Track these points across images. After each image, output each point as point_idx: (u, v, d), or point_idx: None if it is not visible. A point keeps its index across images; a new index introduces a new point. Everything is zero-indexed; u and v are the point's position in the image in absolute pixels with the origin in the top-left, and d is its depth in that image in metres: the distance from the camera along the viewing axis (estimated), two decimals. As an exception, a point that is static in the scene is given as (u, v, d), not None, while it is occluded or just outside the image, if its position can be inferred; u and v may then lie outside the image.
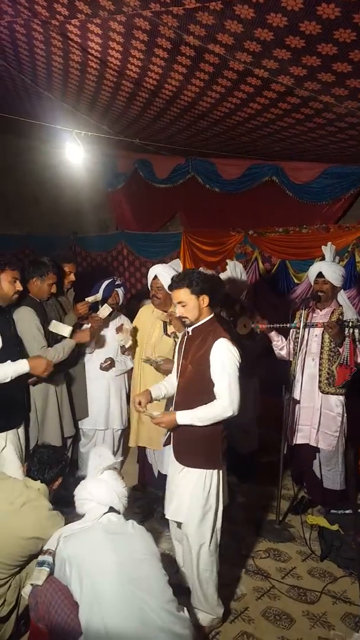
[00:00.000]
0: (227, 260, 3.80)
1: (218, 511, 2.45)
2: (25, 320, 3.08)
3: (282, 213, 5.23)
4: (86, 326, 3.55)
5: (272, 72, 2.41)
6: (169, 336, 3.41)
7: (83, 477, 3.92)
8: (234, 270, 3.81)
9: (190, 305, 2.43)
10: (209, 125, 3.75)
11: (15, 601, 2.28)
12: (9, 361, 2.74)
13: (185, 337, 2.57)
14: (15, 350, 2.90)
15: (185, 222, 6.16)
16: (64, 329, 3.23)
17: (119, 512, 2.17)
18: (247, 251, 5.47)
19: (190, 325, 2.49)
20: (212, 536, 2.43)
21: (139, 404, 2.55)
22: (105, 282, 3.74)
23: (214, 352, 2.36)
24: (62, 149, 4.06)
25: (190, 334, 2.52)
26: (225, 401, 2.34)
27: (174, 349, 3.43)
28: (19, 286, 2.90)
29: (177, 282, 2.44)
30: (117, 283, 3.83)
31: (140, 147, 5.64)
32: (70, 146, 3.43)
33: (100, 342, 3.81)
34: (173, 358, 3.00)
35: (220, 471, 2.45)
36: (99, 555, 1.94)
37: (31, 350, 3.05)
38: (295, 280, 5.12)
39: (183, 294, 2.42)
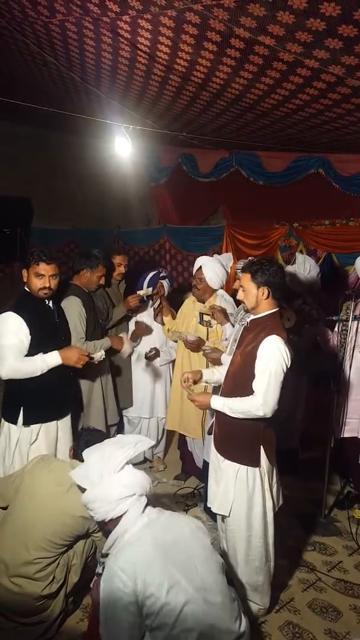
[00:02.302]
0: (297, 254, 3.75)
1: (267, 508, 2.42)
2: (71, 309, 3.17)
3: (328, 205, 5.15)
4: (125, 336, 3.64)
5: (322, 62, 2.39)
6: (204, 325, 3.46)
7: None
8: (302, 264, 3.78)
9: (248, 293, 2.42)
10: (255, 117, 3.74)
11: (64, 578, 2.38)
12: (40, 354, 2.77)
13: (243, 327, 2.57)
14: (58, 339, 2.95)
15: (228, 216, 6.15)
16: (95, 352, 3.16)
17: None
18: (291, 244, 5.42)
19: (250, 314, 2.48)
20: (263, 527, 2.42)
21: (186, 380, 2.61)
22: (151, 274, 3.81)
23: (262, 347, 2.32)
24: (110, 144, 4.14)
25: (247, 325, 2.51)
26: (258, 400, 2.29)
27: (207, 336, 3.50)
28: (46, 282, 2.79)
29: (245, 266, 2.46)
30: (162, 275, 3.90)
31: (184, 142, 5.67)
32: (119, 140, 3.49)
33: (146, 332, 3.91)
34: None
35: (267, 470, 2.41)
36: (158, 577, 1.71)
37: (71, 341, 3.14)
38: (342, 273, 5.04)
39: (245, 279, 2.43)
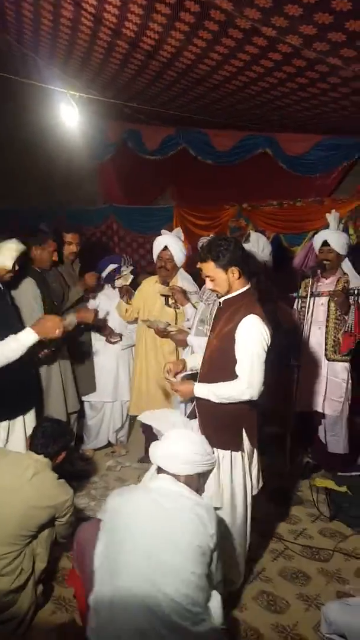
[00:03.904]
0: (251, 232, 3.69)
1: (247, 490, 2.39)
2: (23, 292, 2.99)
3: (276, 186, 5.18)
4: (92, 304, 3.51)
5: (280, 31, 2.33)
6: (170, 307, 3.39)
7: (88, 451, 3.92)
8: (256, 242, 3.72)
9: (218, 280, 2.29)
10: (206, 91, 3.65)
11: (31, 568, 2.30)
12: (10, 335, 2.54)
13: (217, 308, 2.44)
14: (12, 324, 2.73)
15: (176, 196, 6.05)
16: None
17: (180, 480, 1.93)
18: (241, 225, 5.41)
19: (221, 297, 2.37)
20: (244, 509, 2.40)
21: (169, 371, 2.51)
22: (111, 267, 3.73)
23: (240, 328, 2.21)
24: (52, 113, 3.90)
25: (221, 305, 2.39)
26: (243, 383, 2.21)
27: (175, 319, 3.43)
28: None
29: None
30: (122, 269, 3.79)
31: (130, 117, 5.48)
32: (64, 108, 3.28)
33: (105, 316, 3.80)
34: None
35: (248, 453, 2.37)
36: (134, 519, 1.80)
37: (26, 322, 2.97)
38: (290, 254, 5.10)
39: (209, 268, 2.28)
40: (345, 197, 4.71)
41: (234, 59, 2.87)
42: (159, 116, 5.13)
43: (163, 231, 3.65)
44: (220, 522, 1.88)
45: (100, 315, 3.69)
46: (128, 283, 3.70)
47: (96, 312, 3.43)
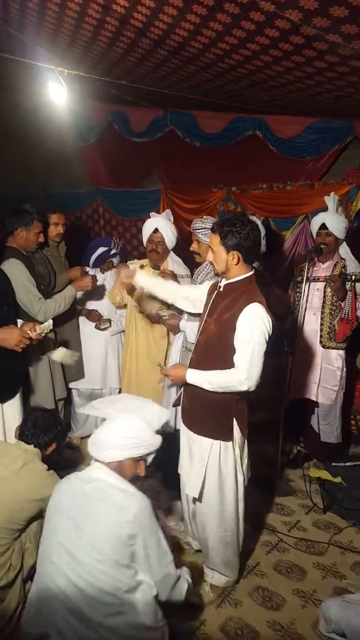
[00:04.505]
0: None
1: (239, 482, 2.34)
2: (14, 273, 2.88)
3: (266, 169, 5.10)
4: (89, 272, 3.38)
5: (279, 6, 2.24)
6: None
7: (76, 439, 3.85)
8: None
9: (218, 256, 2.23)
10: (197, 70, 3.53)
11: (20, 564, 2.23)
12: None
13: (215, 292, 2.35)
14: (1, 311, 2.65)
15: (164, 178, 5.94)
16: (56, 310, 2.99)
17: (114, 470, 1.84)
18: (229, 208, 5.32)
19: (221, 277, 2.29)
20: (234, 502, 2.35)
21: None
22: (99, 251, 3.64)
23: (242, 317, 2.13)
24: (35, 94, 3.75)
25: (221, 289, 2.30)
26: (242, 374, 2.14)
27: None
28: None
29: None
30: (113, 252, 3.70)
31: (116, 97, 5.33)
32: (52, 86, 3.15)
33: (95, 300, 3.72)
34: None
35: (239, 443, 2.31)
36: (57, 510, 1.81)
37: (26, 305, 2.88)
38: (280, 239, 5.05)
39: (214, 241, 2.21)
40: (337, 180, 4.66)
41: (228, 36, 2.76)
42: (147, 97, 4.99)
43: (152, 213, 3.56)
44: (150, 513, 1.77)
45: (92, 306, 3.59)
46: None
47: (94, 277, 3.31)
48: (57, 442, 2.43)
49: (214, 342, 2.27)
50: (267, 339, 2.16)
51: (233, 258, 2.20)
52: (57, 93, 3.23)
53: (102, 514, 1.72)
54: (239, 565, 2.52)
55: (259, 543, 2.90)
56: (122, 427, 1.83)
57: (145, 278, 2.62)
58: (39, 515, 2.26)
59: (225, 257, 2.21)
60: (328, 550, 2.85)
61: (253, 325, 2.13)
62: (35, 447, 2.33)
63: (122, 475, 1.82)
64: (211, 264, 2.36)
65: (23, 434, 2.37)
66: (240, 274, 2.25)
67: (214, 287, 2.39)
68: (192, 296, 2.55)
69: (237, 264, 2.22)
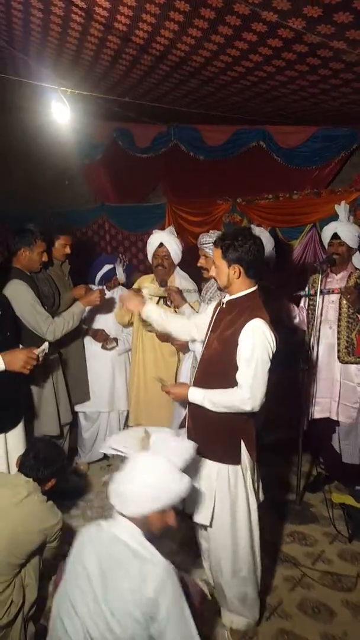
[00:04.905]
0: (253, 227, 3.57)
1: (251, 509, 2.23)
2: (18, 296, 2.84)
3: (271, 179, 5.08)
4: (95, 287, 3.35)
5: (282, 15, 2.23)
6: (170, 307, 3.27)
7: (83, 465, 3.75)
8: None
9: (219, 270, 2.20)
10: (200, 84, 3.53)
11: (21, 600, 2.14)
12: None
13: (219, 308, 2.31)
14: (3, 336, 2.59)
15: (168, 193, 5.94)
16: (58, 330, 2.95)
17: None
18: (235, 220, 5.31)
19: (224, 292, 2.26)
20: (248, 531, 2.22)
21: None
22: (105, 269, 3.61)
23: (244, 333, 2.08)
24: (39, 113, 3.76)
25: (224, 306, 2.26)
26: (245, 393, 2.06)
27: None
28: None
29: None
30: (118, 269, 3.65)
31: (119, 115, 5.36)
32: (55, 106, 3.15)
33: (101, 318, 3.67)
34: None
35: (248, 466, 2.21)
36: (75, 570, 1.64)
37: (33, 326, 2.83)
38: (288, 249, 5.00)
39: (216, 255, 2.19)
40: (344, 187, 4.62)
41: (230, 48, 2.76)
42: (150, 113, 5.01)
43: (155, 230, 3.53)
44: (175, 585, 1.53)
45: (99, 325, 3.53)
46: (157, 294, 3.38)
47: (102, 291, 3.25)
48: (56, 477, 2.34)
49: (216, 359, 2.22)
50: (271, 356, 2.09)
51: (234, 272, 2.17)
52: (61, 112, 3.22)
53: (120, 586, 1.54)
54: (258, 603, 2.36)
55: (280, 578, 2.69)
56: (145, 475, 1.62)
57: (154, 313, 2.54)
58: (39, 550, 2.20)
59: (227, 270, 2.18)
60: (358, 586, 2.62)
61: (256, 342, 2.06)
62: (34, 480, 2.25)
63: (150, 530, 1.64)
64: (213, 278, 2.34)
65: (23, 465, 2.30)
66: (243, 289, 2.21)
67: (219, 303, 2.37)
68: (200, 323, 2.51)
69: (238, 277, 2.19)
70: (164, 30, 2.74)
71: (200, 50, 2.89)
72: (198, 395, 2.16)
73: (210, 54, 2.90)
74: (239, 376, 2.09)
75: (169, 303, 3.35)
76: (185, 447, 1.79)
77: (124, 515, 1.64)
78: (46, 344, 2.57)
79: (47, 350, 2.56)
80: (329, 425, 3.25)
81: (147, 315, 2.55)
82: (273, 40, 2.53)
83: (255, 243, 2.19)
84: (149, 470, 1.63)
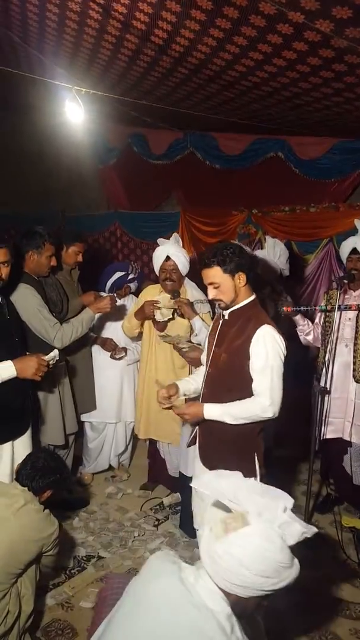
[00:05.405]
0: (267, 238, 3.46)
1: None
2: (26, 299, 2.73)
3: (288, 191, 4.96)
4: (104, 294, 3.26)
5: (309, 16, 2.10)
6: (182, 317, 3.13)
7: (87, 475, 3.62)
8: (272, 248, 3.51)
9: (224, 287, 2.12)
10: (219, 89, 3.42)
11: (17, 611, 2.09)
12: None
13: (221, 321, 2.24)
14: (11, 341, 2.50)
15: (182, 201, 5.83)
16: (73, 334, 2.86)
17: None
18: (250, 231, 5.19)
19: (226, 308, 2.18)
20: None
21: (164, 398, 2.24)
22: (116, 276, 3.49)
23: (256, 341, 2.05)
24: (54, 117, 3.67)
25: (226, 318, 2.20)
26: (265, 400, 2.03)
27: (190, 332, 3.17)
28: None
29: (208, 259, 2.11)
30: (130, 277, 3.53)
31: (135, 120, 5.28)
32: (69, 106, 3.06)
33: (109, 329, 3.54)
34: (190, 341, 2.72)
35: (258, 477, 2.12)
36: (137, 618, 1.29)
37: (41, 332, 2.72)
38: (303, 263, 4.86)
39: (215, 274, 2.10)
40: (363, 202, 4.48)
41: (253, 51, 2.64)
42: (167, 119, 4.91)
43: (160, 240, 3.39)
44: None
45: (107, 333, 3.41)
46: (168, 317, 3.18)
47: (112, 297, 3.14)
48: (53, 489, 2.28)
49: (227, 372, 2.16)
50: (283, 360, 2.10)
51: (240, 280, 2.15)
52: (74, 112, 3.12)
53: None
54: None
55: (285, 603, 2.51)
56: (257, 554, 1.29)
57: (184, 384, 2.41)
58: (36, 560, 2.16)
59: (232, 282, 2.14)
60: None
61: (269, 349, 2.06)
62: (29, 489, 2.21)
63: (241, 611, 1.33)
64: (216, 301, 2.23)
65: (19, 474, 2.26)
66: (246, 297, 2.19)
67: (217, 318, 2.31)
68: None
69: (245, 284, 2.16)
70: (184, 30, 2.63)
71: (222, 52, 2.77)
72: (215, 411, 2.10)
73: (232, 57, 2.78)
74: (255, 385, 2.08)
75: (179, 314, 3.22)
76: (297, 521, 1.43)
77: (217, 586, 1.31)
78: (56, 351, 2.50)
79: (57, 357, 2.49)
80: (341, 445, 3.16)
81: (185, 389, 2.39)
82: (298, 44, 2.40)
83: (239, 247, 2.21)
84: (262, 547, 1.33)
